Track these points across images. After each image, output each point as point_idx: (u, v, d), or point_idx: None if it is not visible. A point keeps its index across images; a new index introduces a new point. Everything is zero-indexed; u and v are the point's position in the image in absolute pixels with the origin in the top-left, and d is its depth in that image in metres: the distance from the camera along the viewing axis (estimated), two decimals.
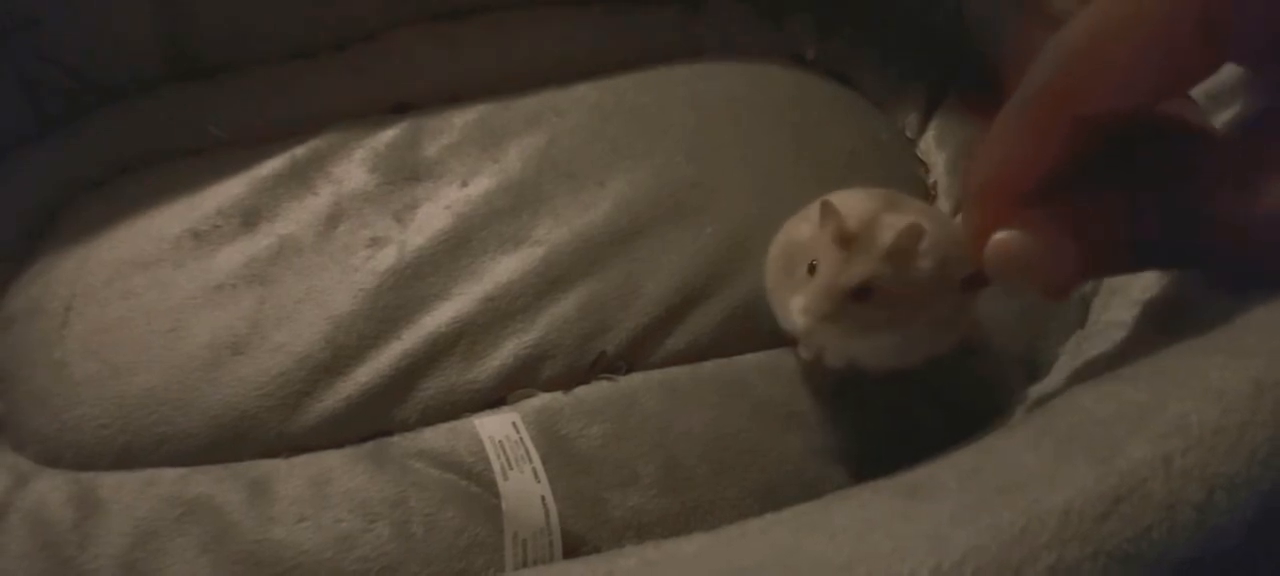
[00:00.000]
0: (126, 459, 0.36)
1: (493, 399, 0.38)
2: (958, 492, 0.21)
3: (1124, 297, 0.34)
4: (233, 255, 0.42)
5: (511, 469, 0.34)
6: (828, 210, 0.31)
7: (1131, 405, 0.22)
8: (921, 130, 0.48)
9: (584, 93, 0.50)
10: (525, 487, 0.34)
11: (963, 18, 0.49)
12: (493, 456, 0.34)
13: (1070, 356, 0.36)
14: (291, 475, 0.36)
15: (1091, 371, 0.32)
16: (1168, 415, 0.20)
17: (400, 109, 0.50)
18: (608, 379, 0.38)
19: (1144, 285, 0.34)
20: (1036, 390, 0.36)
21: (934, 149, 0.47)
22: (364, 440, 0.37)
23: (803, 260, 0.31)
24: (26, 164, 0.47)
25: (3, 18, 0.46)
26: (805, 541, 0.20)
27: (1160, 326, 0.30)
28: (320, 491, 0.35)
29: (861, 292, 0.30)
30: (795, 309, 0.30)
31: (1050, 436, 0.23)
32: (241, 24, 0.51)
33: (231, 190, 0.45)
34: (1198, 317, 0.24)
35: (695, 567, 0.22)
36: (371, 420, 0.38)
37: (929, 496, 0.22)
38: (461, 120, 0.49)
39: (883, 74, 0.50)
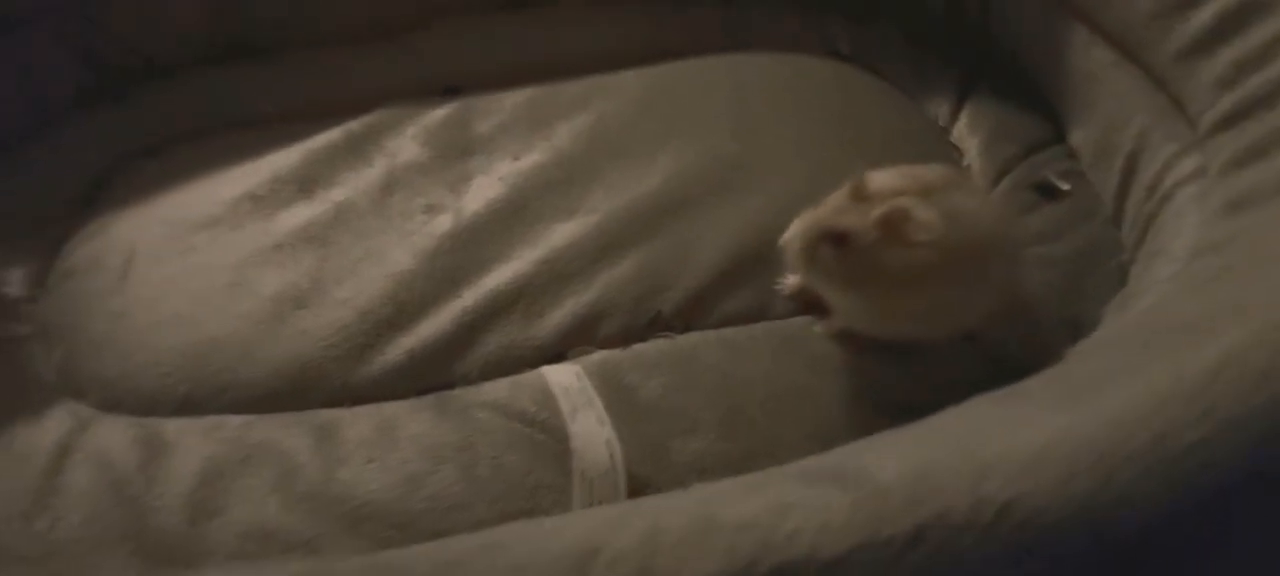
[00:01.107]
0: (189, 405, 0.37)
1: (551, 355, 0.39)
2: (1060, 390, 0.22)
3: (1165, 258, 0.36)
4: (291, 217, 0.43)
5: (578, 412, 0.35)
6: (858, 185, 0.32)
7: (1199, 314, 0.23)
8: (953, 118, 0.50)
9: (629, 78, 0.52)
10: (591, 431, 0.34)
11: (988, 12, 0.51)
12: (561, 399, 0.35)
13: (1114, 314, 0.38)
14: (356, 422, 0.36)
15: (1137, 320, 0.34)
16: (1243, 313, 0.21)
17: (449, 92, 0.52)
18: (664, 337, 0.39)
19: (1183, 245, 0.36)
20: (1080, 346, 0.37)
21: (966, 135, 0.49)
22: (424, 393, 0.38)
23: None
24: (83, 129, 0.48)
25: None
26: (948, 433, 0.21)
27: (1204, 278, 0.32)
28: (386, 436, 0.35)
29: (837, 238, 0.31)
30: (788, 231, 0.32)
31: (1122, 345, 0.24)
32: (297, 12, 0.52)
33: (286, 159, 0.46)
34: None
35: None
36: (433, 373, 0.38)
37: (1026, 399, 0.23)
38: (511, 101, 0.50)
39: (914, 66, 0.52)
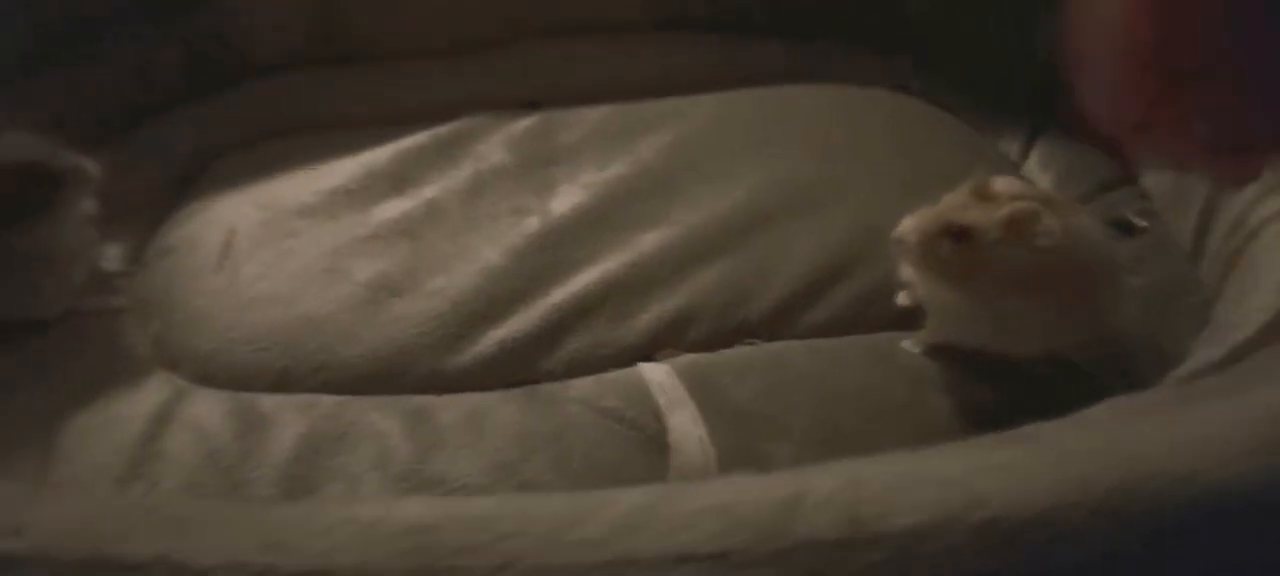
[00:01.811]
0: (284, 382, 0.37)
1: (639, 356, 0.39)
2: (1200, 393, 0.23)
3: (1259, 292, 0.36)
4: (385, 211, 0.44)
5: (674, 409, 0.35)
6: (980, 184, 0.33)
7: None
8: (1024, 156, 0.51)
9: (706, 102, 0.53)
10: (686, 428, 0.35)
11: (1052, 51, 0.53)
12: (657, 395, 0.35)
13: (1206, 347, 0.38)
14: (448, 408, 0.36)
15: (1233, 356, 0.34)
16: None
17: (530, 106, 0.54)
18: (749, 343, 0.40)
19: (1272, 285, 0.36)
20: (1174, 374, 0.37)
21: (1038, 172, 0.50)
22: (512, 386, 0.38)
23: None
24: (182, 120, 0.49)
25: None
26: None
27: None
28: (478, 424, 0.35)
29: (959, 233, 0.32)
30: (902, 225, 0.33)
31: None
32: (389, 22, 0.54)
33: (378, 157, 0.48)
34: None
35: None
36: (521, 367, 0.38)
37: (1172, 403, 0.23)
38: (592, 116, 0.52)
39: (984, 104, 0.54)
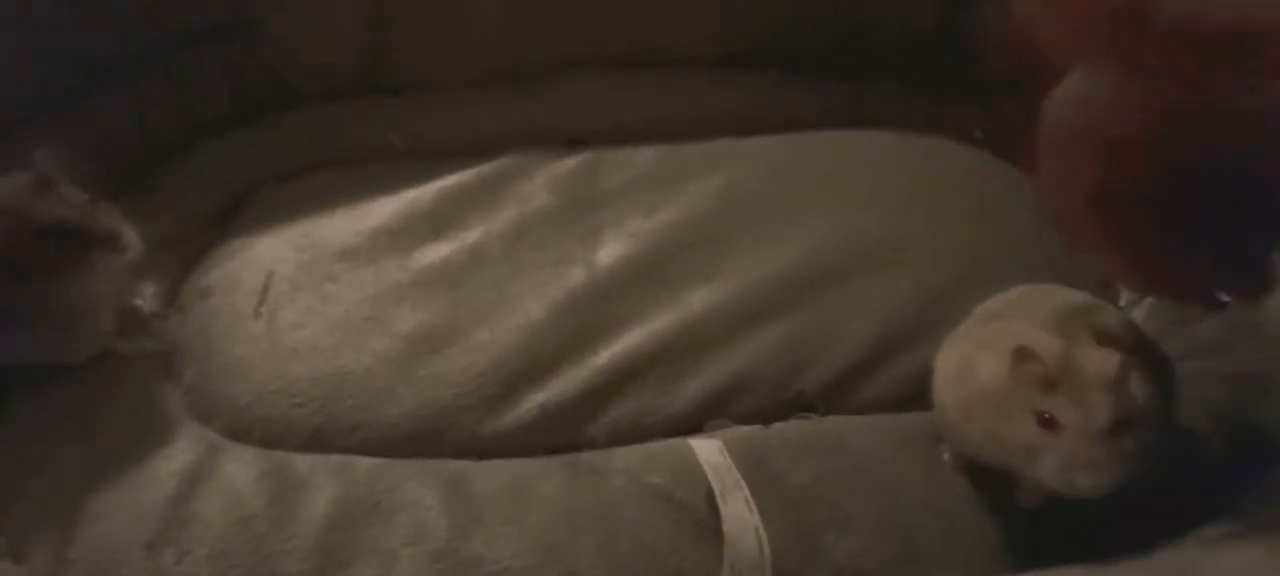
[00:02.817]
0: (319, 441, 0.36)
1: (686, 426, 0.37)
2: None
3: None
4: (426, 255, 0.42)
5: (728, 494, 0.33)
6: (1025, 355, 0.30)
7: None
8: None
9: (760, 144, 0.51)
10: (740, 515, 0.32)
11: None
12: (712, 479, 0.33)
13: None
14: (487, 477, 0.34)
15: None
16: None
17: (574, 143, 0.52)
18: (805, 417, 0.37)
19: None
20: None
21: None
22: (553, 452, 0.36)
23: (1006, 408, 0.30)
24: (222, 150, 0.48)
25: (229, 15, 0.49)
26: None
27: None
28: (520, 497, 0.34)
29: (1117, 428, 0.29)
30: (1068, 466, 0.28)
31: None
32: (436, 54, 0.53)
33: (420, 197, 0.46)
34: None
35: None
36: (563, 432, 0.37)
37: None
38: (640, 157, 0.50)
39: None
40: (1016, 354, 0.29)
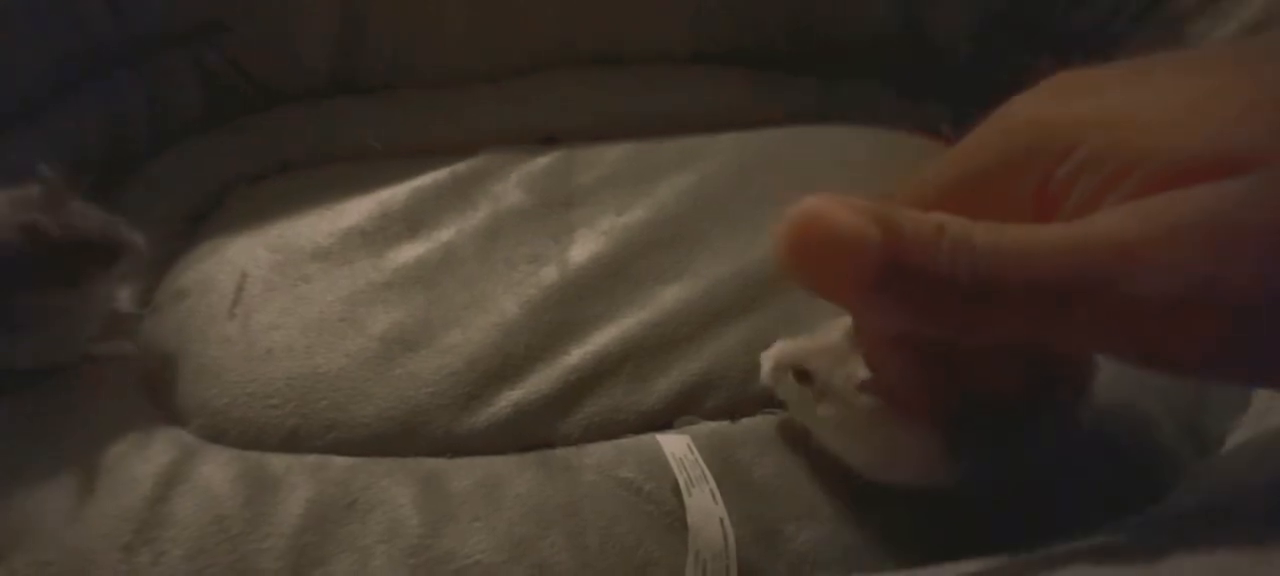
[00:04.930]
0: (294, 442, 0.36)
1: (657, 422, 0.38)
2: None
3: None
4: (401, 255, 0.43)
5: (693, 486, 0.34)
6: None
7: None
8: None
9: (730, 141, 0.52)
10: (705, 507, 0.33)
11: None
12: (677, 472, 0.34)
13: (1241, 434, 0.36)
14: (461, 474, 0.35)
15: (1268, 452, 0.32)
16: None
17: (549, 141, 0.52)
18: (772, 413, 0.38)
19: None
20: (1207, 464, 0.36)
21: None
22: (526, 449, 0.37)
23: None
24: (196, 151, 0.48)
25: (191, 20, 0.49)
26: None
27: None
28: (492, 493, 0.34)
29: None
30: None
31: None
32: (409, 52, 0.53)
33: (394, 196, 0.46)
34: None
35: None
36: (536, 430, 0.38)
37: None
38: (613, 154, 0.50)
39: None
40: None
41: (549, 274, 0.43)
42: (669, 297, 0.42)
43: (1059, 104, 0.24)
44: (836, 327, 0.34)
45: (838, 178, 0.49)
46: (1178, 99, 0.21)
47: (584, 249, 0.44)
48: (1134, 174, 0.20)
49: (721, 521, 0.33)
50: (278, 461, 0.35)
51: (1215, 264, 0.18)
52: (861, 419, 0.31)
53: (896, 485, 0.33)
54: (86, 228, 0.35)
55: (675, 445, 0.35)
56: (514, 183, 0.48)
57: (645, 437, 0.37)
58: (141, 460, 0.35)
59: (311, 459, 0.35)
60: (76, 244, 0.34)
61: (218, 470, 0.35)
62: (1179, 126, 0.20)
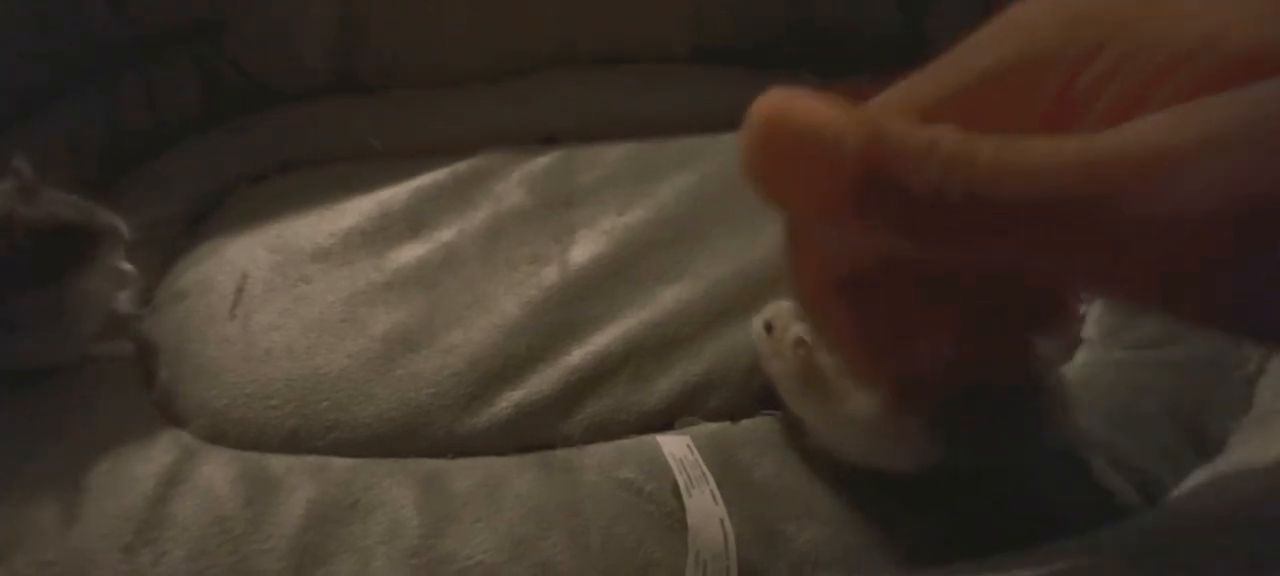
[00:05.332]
0: (294, 442, 0.36)
1: (657, 423, 0.38)
2: None
3: None
4: (402, 255, 0.43)
5: (693, 487, 0.34)
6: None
7: None
8: None
9: (731, 141, 0.51)
10: (706, 507, 0.33)
11: None
12: (677, 473, 0.34)
13: (1243, 436, 0.36)
14: (462, 475, 0.35)
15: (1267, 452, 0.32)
16: None
17: (549, 141, 0.52)
18: (772, 414, 0.38)
19: None
20: (1210, 468, 0.36)
21: None
22: (527, 450, 0.37)
23: None
24: (196, 151, 0.48)
25: (191, 19, 0.49)
26: None
27: None
28: (494, 493, 0.34)
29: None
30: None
31: None
32: (409, 52, 0.53)
33: (395, 196, 0.46)
34: None
35: None
36: (537, 430, 0.38)
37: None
38: (613, 154, 0.50)
39: None
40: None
41: (550, 274, 0.43)
42: (670, 298, 0.42)
43: None
44: None
45: None
46: None
47: (585, 249, 0.44)
48: (1179, 72, 0.17)
49: (722, 521, 0.33)
50: (278, 462, 0.35)
51: (1273, 177, 0.15)
52: (798, 377, 0.33)
53: (860, 461, 0.34)
54: (59, 213, 0.34)
55: (675, 446, 0.36)
56: (515, 183, 0.48)
57: (646, 438, 0.37)
58: (142, 461, 0.35)
59: (312, 459, 0.35)
60: (53, 231, 0.34)
61: (218, 471, 0.35)
62: (1235, 12, 0.17)
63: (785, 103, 0.18)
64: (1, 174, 0.35)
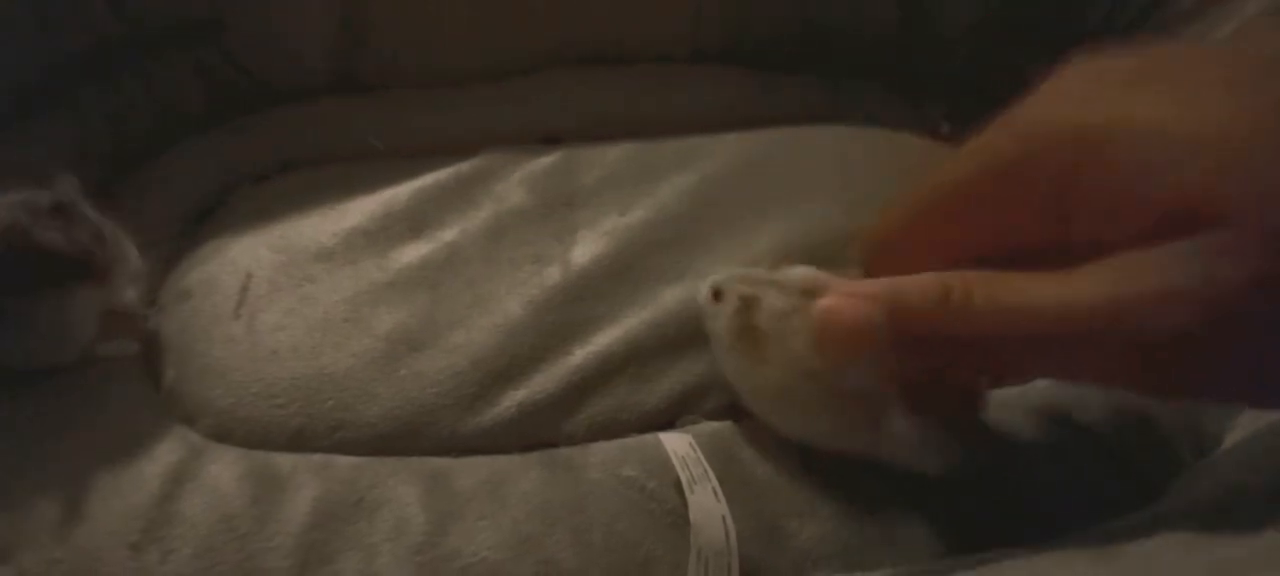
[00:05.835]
0: (300, 441, 0.36)
1: (660, 422, 0.38)
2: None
3: None
4: (404, 255, 0.43)
5: (696, 484, 0.34)
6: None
7: None
8: None
9: (730, 141, 0.52)
10: (708, 505, 0.34)
11: None
12: (679, 470, 0.34)
13: (1241, 433, 0.37)
14: (466, 473, 0.36)
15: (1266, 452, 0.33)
16: None
17: (550, 141, 0.52)
18: None
19: None
20: (1207, 462, 0.36)
21: None
22: (530, 449, 0.38)
23: None
24: (197, 151, 0.49)
25: (191, 18, 0.49)
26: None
27: None
28: (498, 491, 0.35)
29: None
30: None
31: None
32: (409, 52, 0.53)
33: (397, 196, 0.47)
34: None
35: None
36: (540, 429, 0.38)
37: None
38: (614, 154, 0.51)
39: None
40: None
41: (552, 274, 0.43)
42: (671, 298, 0.42)
43: (1077, 108, 0.26)
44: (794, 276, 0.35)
45: (837, 177, 0.49)
46: (1203, 113, 0.23)
47: (587, 249, 0.44)
48: (1152, 208, 0.23)
49: (723, 519, 0.34)
50: (284, 460, 0.35)
51: (1206, 326, 0.21)
52: (731, 332, 0.35)
53: (773, 427, 0.36)
54: (76, 242, 0.35)
55: (678, 443, 0.36)
56: (516, 182, 0.48)
57: (648, 437, 0.37)
58: (149, 459, 0.35)
59: (318, 458, 0.36)
60: (70, 253, 0.34)
61: (225, 469, 0.35)
62: (1197, 153, 0.22)
63: (829, 309, 0.30)
64: (12, 179, 0.35)
